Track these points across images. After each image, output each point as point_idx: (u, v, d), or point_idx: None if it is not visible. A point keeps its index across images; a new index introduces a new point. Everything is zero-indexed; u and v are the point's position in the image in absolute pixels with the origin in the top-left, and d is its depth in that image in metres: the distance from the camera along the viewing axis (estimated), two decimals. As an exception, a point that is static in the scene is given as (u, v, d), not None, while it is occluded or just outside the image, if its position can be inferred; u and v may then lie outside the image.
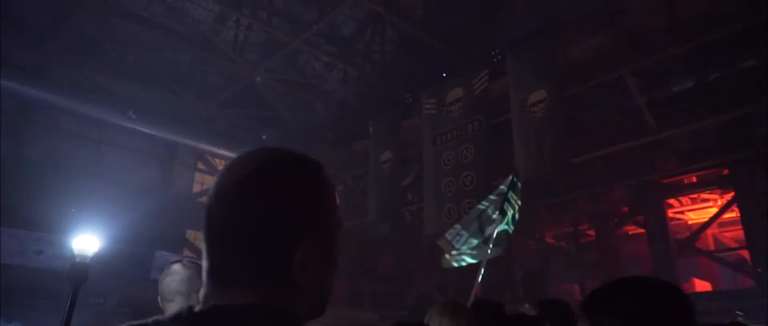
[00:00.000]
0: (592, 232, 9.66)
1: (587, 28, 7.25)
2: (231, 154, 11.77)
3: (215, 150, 11.46)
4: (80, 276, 5.44)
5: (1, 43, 8.27)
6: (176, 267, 1.96)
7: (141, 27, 9.57)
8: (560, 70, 7.39)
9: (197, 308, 0.66)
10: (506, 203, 4.48)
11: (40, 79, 9.64)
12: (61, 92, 9.97)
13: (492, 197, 4.67)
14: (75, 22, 9.06)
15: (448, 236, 4.77)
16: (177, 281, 1.91)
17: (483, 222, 4.58)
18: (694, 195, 8.61)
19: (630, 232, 9.59)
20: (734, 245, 8.46)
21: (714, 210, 8.20)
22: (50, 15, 8.90)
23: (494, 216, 4.47)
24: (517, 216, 4.55)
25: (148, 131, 10.78)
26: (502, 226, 4.42)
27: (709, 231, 8.89)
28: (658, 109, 7.00)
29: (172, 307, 1.90)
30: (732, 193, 7.33)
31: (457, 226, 4.79)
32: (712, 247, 9.10)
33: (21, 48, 9.01)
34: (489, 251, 4.38)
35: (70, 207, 9.17)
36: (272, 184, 0.69)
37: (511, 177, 4.60)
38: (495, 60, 8.19)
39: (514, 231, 4.59)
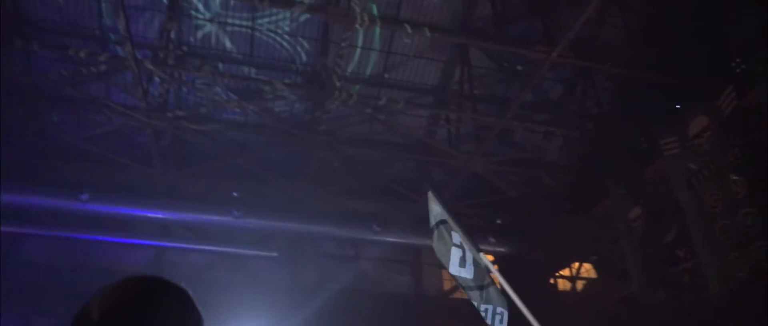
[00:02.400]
0: None
1: None
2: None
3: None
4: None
5: (263, 189, 10.18)
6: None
7: (368, 149, 10.70)
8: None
9: None
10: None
11: (302, 213, 11.32)
12: (322, 222, 11.50)
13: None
14: (318, 157, 10.55)
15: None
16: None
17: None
18: None
19: None
20: None
21: None
22: (298, 157, 10.62)
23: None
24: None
25: (394, 240, 11.59)
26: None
27: None
28: None
29: None
30: None
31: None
32: None
33: (278, 191, 10.85)
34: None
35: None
36: None
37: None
38: (737, 71, 6.84)
39: None
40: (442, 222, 4.09)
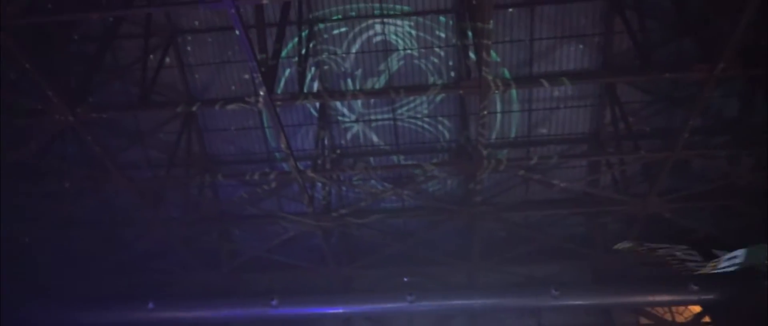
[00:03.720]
0: None
1: None
2: (670, 298, 10.47)
3: (650, 298, 10.41)
4: None
5: (432, 269, 10.17)
6: None
7: (529, 211, 10.30)
8: None
9: None
10: None
11: (475, 288, 11.07)
12: (496, 294, 11.11)
13: None
14: (479, 229, 10.39)
15: None
16: None
17: None
18: None
19: None
20: None
21: None
22: (460, 232, 10.59)
23: None
24: None
25: (577, 302, 10.71)
26: None
27: None
28: None
29: None
30: None
31: None
32: None
33: (447, 269, 10.78)
34: None
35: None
36: None
37: None
38: None
39: None
40: None
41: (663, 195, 9.11)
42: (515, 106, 9.53)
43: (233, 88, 9.34)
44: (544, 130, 9.79)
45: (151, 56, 8.40)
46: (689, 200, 9.33)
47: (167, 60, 8.86)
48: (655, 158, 8.65)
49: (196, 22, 8.76)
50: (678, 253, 10.44)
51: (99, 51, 7.47)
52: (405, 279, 11.37)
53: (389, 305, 10.84)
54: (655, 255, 10.44)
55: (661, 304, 10.88)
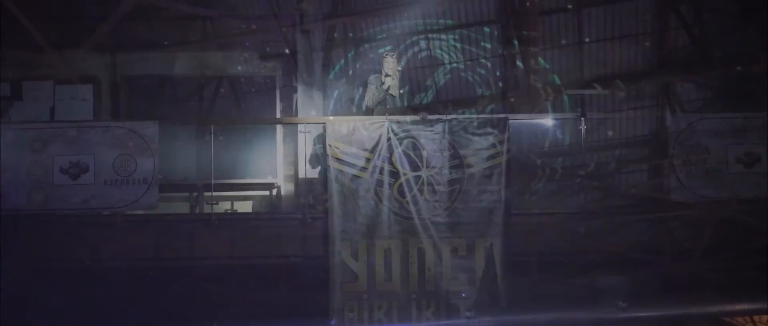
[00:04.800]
0: None
1: None
2: (751, 306, 9.80)
3: (728, 307, 9.80)
4: None
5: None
6: None
7: (590, 219, 9.96)
8: None
9: None
10: None
11: (534, 303, 10.78)
12: (556, 308, 10.77)
13: None
14: (537, 243, 10.13)
15: None
16: None
17: None
18: None
19: None
20: None
21: None
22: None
23: None
24: None
25: (645, 314, 10.22)
26: None
27: None
28: None
29: None
30: None
31: None
32: None
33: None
34: None
35: None
36: None
37: None
38: None
39: None
40: None
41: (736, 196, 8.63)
42: (568, 112, 9.31)
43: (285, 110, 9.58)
44: (599, 136, 9.49)
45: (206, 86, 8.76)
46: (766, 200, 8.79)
47: (222, 89, 9.20)
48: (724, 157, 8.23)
49: (247, 44, 9.03)
50: (758, 258, 9.81)
51: (159, 85, 7.86)
52: (462, 295, 11.20)
53: (448, 322, 10.70)
54: (732, 260, 9.86)
55: (742, 314, 10.20)
